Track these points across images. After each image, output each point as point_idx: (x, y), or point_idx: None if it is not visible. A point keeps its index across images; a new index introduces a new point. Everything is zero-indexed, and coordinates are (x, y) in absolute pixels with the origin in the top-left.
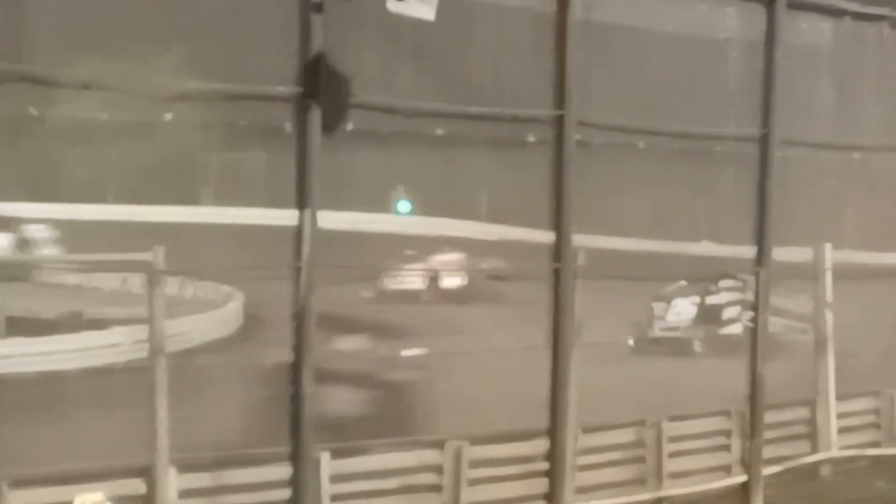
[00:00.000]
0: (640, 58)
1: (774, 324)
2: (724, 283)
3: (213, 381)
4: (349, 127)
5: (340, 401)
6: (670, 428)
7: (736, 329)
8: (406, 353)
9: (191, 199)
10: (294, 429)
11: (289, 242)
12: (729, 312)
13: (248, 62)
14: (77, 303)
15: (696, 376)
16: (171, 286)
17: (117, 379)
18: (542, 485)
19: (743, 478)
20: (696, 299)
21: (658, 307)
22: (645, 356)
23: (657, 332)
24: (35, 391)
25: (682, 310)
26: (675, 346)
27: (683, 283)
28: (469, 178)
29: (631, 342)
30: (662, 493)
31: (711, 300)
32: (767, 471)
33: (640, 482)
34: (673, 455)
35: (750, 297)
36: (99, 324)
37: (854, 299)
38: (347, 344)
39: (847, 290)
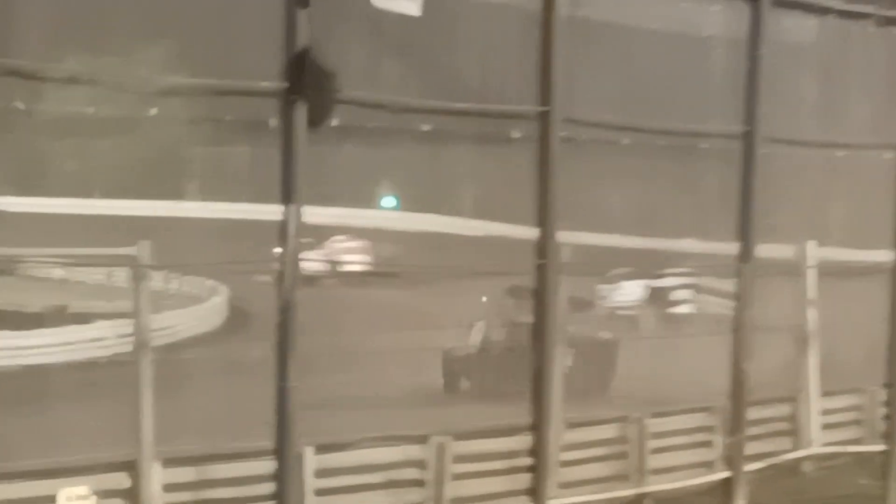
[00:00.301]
0: (625, 54)
1: (709, 303)
2: (671, 269)
3: (197, 376)
4: (334, 122)
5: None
6: (653, 424)
7: (684, 309)
8: None
9: (176, 194)
10: (279, 423)
11: (273, 237)
12: (677, 294)
13: (233, 57)
14: (62, 296)
15: (645, 352)
16: (156, 281)
17: (102, 373)
18: (525, 480)
19: (725, 474)
20: (644, 282)
21: (603, 288)
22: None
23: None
24: (19, 385)
25: (629, 290)
26: (622, 323)
27: (628, 268)
28: (454, 174)
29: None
30: (645, 489)
31: (659, 283)
32: (750, 467)
33: (622, 478)
34: (656, 451)
35: (699, 281)
36: (84, 318)
37: (837, 296)
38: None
39: (830, 288)
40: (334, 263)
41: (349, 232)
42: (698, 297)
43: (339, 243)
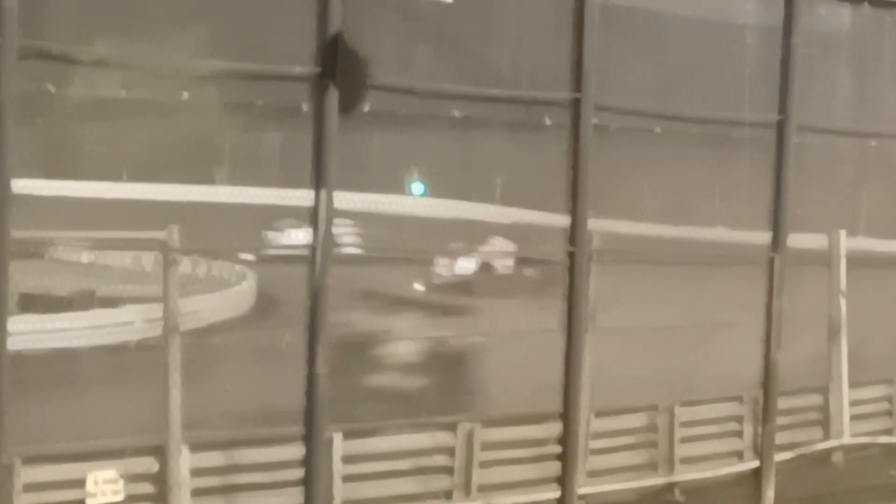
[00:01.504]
0: (658, 42)
1: None
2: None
3: (226, 360)
4: (366, 108)
5: None
6: (682, 413)
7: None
8: None
9: (207, 179)
10: (307, 409)
11: (304, 223)
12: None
13: (265, 42)
14: (90, 280)
15: None
16: (185, 265)
17: (130, 357)
18: (553, 468)
19: (755, 463)
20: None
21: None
22: None
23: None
24: (48, 368)
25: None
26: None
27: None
28: (485, 161)
29: None
30: (674, 478)
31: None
32: (779, 457)
33: (651, 467)
34: (685, 440)
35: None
36: (112, 302)
37: (868, 287)
38: None
39: (861, 278)
40: None
41: None
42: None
43: None
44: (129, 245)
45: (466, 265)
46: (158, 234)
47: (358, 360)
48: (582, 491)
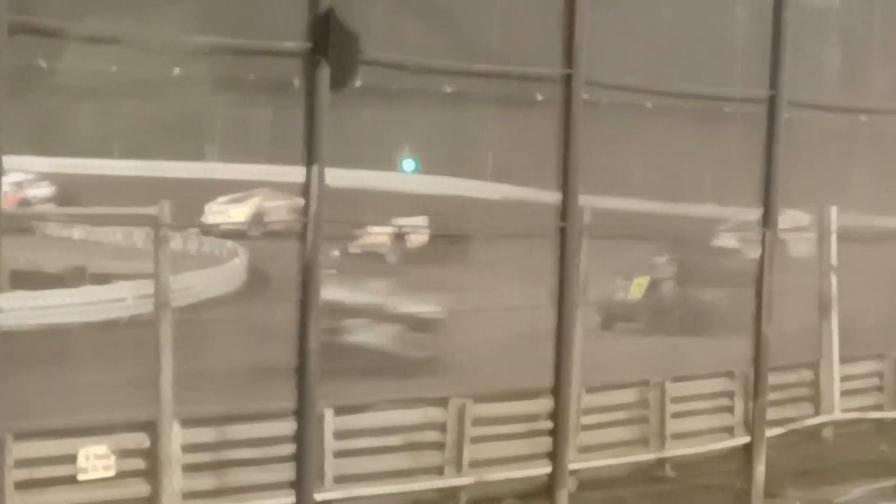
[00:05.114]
0: (649, 17)
1: None
2: None
3: (217, 336)
4: (358, 83)
5: None
6: (673, 388)
7: None
8: None
9: (198, 154)
10: (299, 384)
11: (295, 198)
12: None
13: (257, 17)
14: (81, 257)
15: None
16: (176, 241)
17: (121, 333)
18: (545, 443)
19: (746, 439)
20: None
21: None
22: None
23: None
24: (39, 345)
25: None
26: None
27: None
28: (476, 137)
29: None
30: (665, 454)
31: None
32: (770, 432)
33: (643, 442)
34: (676, 416)
35: None
36: (103, 278)
37: (859, 262)
38: None
39: (852, 253)
40: None
41: None
42: None
43: None
44: (121, 221)
45: None
46: (150, 210)
47: None
48: (573, 466)
